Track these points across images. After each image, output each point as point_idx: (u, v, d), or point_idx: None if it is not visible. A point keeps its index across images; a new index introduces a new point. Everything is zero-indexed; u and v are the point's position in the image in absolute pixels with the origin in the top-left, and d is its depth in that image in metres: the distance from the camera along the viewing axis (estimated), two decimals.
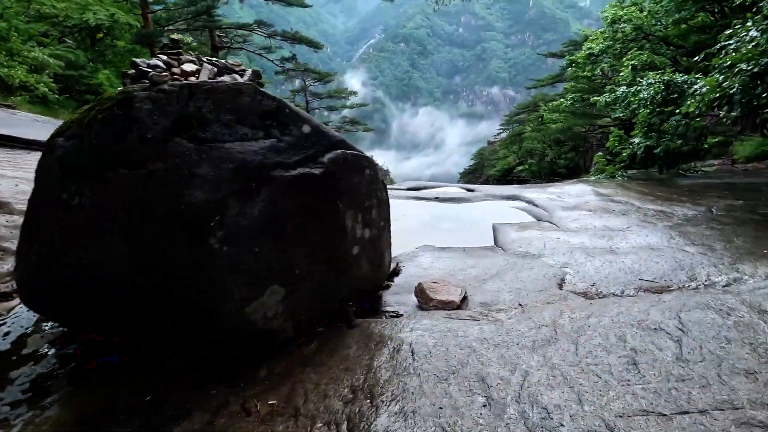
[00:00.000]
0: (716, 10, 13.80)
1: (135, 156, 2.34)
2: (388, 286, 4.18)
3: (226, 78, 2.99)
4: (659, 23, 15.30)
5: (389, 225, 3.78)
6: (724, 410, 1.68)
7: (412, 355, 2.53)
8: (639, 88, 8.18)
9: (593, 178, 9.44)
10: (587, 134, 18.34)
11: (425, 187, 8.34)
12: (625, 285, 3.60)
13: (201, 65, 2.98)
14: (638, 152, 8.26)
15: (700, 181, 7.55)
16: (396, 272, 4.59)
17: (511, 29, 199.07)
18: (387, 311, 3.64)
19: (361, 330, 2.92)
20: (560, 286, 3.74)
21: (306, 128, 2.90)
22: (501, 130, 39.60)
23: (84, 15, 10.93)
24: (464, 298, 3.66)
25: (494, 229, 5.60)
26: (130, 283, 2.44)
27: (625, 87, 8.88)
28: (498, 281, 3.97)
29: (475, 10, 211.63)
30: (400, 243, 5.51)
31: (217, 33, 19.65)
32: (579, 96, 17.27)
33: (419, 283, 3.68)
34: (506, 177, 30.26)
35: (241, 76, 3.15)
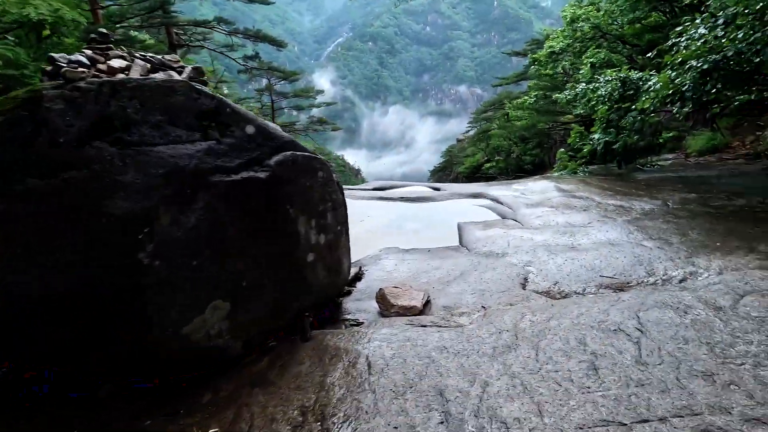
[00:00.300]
0: (668, 9, 14.35)
1: (46, 163, 2.07)
2: (349, 293, 4.01)
3: (160, 75, 2.74)
4: (615, 22, 15.78)
5: (347, 228, 3.61)
6: (683, 417, 1.62)
7: (369, 368, 2.38)
8: (597, 85, 8.35)
9: (556, 174, 9.61)
10: (550, 131, 18.75)
11: (391, 187, 8.22)
12: (587, 282, 3.58)
13: (132, 61, 2.72)
14: (598, 148, 8.45)
15: (657, 175, 7.78)
16: (358, 277, 4.43)
17: (476, 28, 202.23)
18: (347, 319, 3.48)
19: (316, 343, 2.74)
20: (523, 286, 3.69)
21: (250, 129, 2.69)
22: (469, 128, 40.03)
23: (24, 10, 10.10)
24: (427, 302, 3.54)
25: (459, 228, 5.52)
26: (46, 307, 2.16)
27: (584, 84, 9.06)
28: (462, 283, 3.87)
29: (441, 9, 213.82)
30: (364, 245, 5.35)
31: (175, 30, 18.84)
32: (542, 93, 17.60)
33: (380, 289, 3.53)
34: (474, 174, 30.59)
35: (180, 73, 2.89)
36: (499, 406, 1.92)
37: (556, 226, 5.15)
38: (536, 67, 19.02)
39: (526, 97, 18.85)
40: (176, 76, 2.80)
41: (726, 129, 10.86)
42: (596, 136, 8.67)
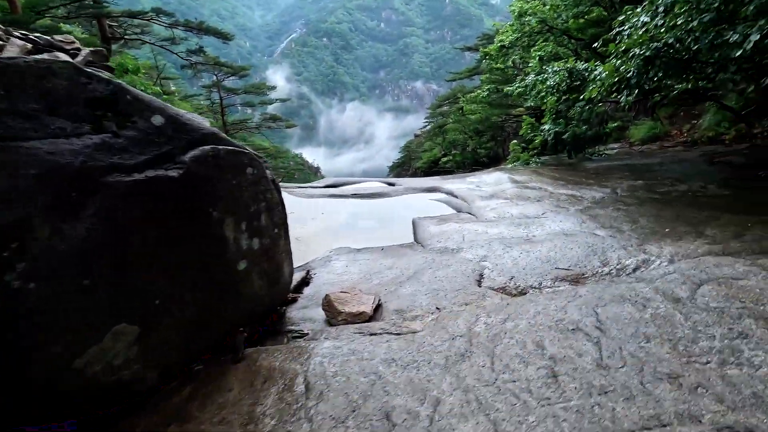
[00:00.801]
0: (609, 4, 14.90)
1: None
2: (294, 300, 3.68)
3: (43, 57, 2.26)
4: (560, 17, 16.22)
5: (287, 230, 3.27)
6: (651, 429, 1.43)
7: (306, 392, 2.07)
8: (546, 76, 8.43)
9: (510, 165, 9.67)
10: (503, 123, 19.10)
11: (345, 184, 7.90)
12: (542, 276, 3.45)
13: (7, 40, 2.22)
14: (549, 139, 8.55)
15: (605, 164, 7.96)
16: (306, 281, 4.10)
17: (430, 25, 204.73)
18: (291, 331, 3.14)
19: (249, 363, 2.40)
20: (479, 283, 3.51)
21: (157, 119, 2.30)
22: (426, 123, 40.33)
23: None
24: (378, 306, 3.28)
25: (414, 224, 5.31)
26: None
27: (534, 76, 9.14)
28: (415, 282, 3.64)
29: (395, 5, 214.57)
30: (313, 247, 5.02)
31: (108, 22, 17.45)
32: (494, 87, 17.87)
33: (326, 295, 3.23)
34: (432, 168, 30.89)
35: (74, 56, 2.41)
36: (452, 428, 1.68)
37: (510, 218, 5.04)
38: (488, 61, 19.27)
39: (479, 91, 19.08)
40: (66, 59, 2.33)
41: (665, 118, 11.38)
42: (546, 126, 8.77)
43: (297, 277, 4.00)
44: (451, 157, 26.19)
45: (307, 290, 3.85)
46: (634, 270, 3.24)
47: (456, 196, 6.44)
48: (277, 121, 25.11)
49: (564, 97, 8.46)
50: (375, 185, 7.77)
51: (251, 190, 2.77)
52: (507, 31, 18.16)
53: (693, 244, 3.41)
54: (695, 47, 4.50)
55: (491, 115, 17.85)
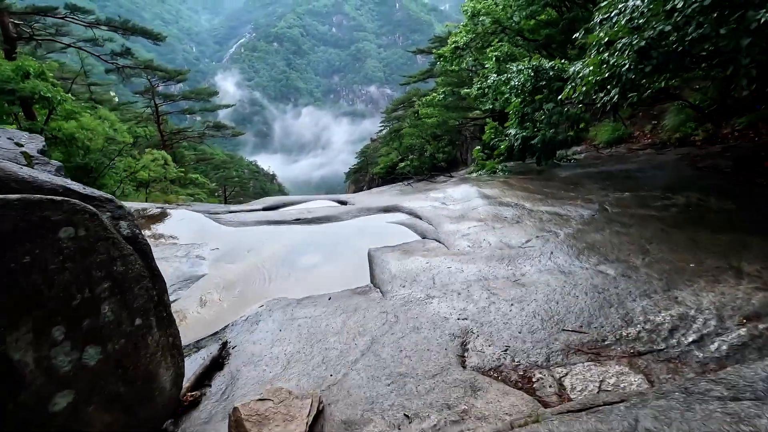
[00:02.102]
0: (560, 4, 14.64)
1: None
2: (196, 401, 2.47)
3: None
4: (513, 18, 15.84)
5: (164, 312, 2.08)
6: None
7: None
8: (509, 76, 7.69)
9: (474, 174, 8.86)
10: (461, 127, 18.52)
11: (287, 204, 6.70)
12: (548, 344, 2.48)
13: None
14: (516, 144, 7.80)
15: (578, 171, 7.28)
16: (218, 363, 2.90)
17: (381, 30, 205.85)
18: None
19: None
20: (462, 360, 2.48)
21: None
22: (382, 127, 39.59)
23: None
24: (318, 415, 2.16)
25: (370, 258, 4.23)
26: None
27: (495, 75, 8.40)
28: (373, 360, 2.57)
29: (345, 10, 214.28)
30: (237, 299, 3.81)
31: (12, 20, 15.14)
32: (450, 89, 17.23)
33: (235, 410, 2.06)
34: (390, 174, 30.08)
35: None
36: None
37: (489, 248, 4.08)
38: (442, 63, 18.65)
39: (434, 94, 18.39)
40: None
41: (625, 119, 11.05)
42: (512, 131, 8.01)
43: (204, 357, 2.80)
44: (408, 162, 25.44)
45: (219, 379, 2.67)
46: (672, 332, 2.33)
47: (419, 217, 5.43)
48: (222, 129, 23.23)
49: (529, 99, 7.72)
50: (323, 205, 6.63)
51: (75, 266, 1.57)
52: (461, 32, 17.62)
53: (738, 289, 2.56)
54: (693, 36, 3.74)
55: (448, 118, 17.18)
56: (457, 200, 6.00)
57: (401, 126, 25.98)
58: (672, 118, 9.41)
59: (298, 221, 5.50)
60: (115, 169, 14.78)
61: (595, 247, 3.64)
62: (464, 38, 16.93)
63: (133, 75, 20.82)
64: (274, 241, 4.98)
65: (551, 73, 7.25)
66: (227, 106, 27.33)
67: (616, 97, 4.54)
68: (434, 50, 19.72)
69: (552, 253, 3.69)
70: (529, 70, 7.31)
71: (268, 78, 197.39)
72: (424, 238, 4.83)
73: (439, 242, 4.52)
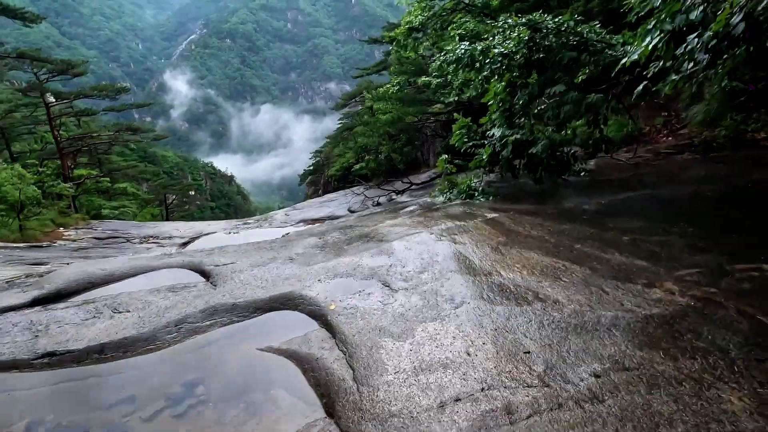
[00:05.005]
0: None
1: None
2: None
3: None
4: None
5: None
6: None
7: None
8: (490, 42, 4.79)
9: (440, 197, 5.92)
10: (421, 124, 15.60)
11: (88, 286, 3.42)
12: None
13: None
14: (502, 153, 4.91)
15: (609, 197, 4.43)
16: None
17: (338, 25, 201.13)
18: None
19: None
20: None
21: None
22: (340, 125, 36.47)
23: None
24: None
25: None
26: None
27: (467, 44, 5.42)
28: None
29: (300, 5, 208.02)
30: None
31: None
32: (405, 79, 14.29)
33: None
34: (346, 176, 27.13)
35: None
36: None
37: None
38: (396, 49, 15.66)
39: (388, 85, 15.39)
40: None
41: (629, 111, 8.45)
42: (496, 132, 5.09)
43: None
44: (364, 164, 22.42)
45: None
46: None
47: (334, 335, 2.37)
48: (138, 132, 19.17)
49: (520, 80, 4.83)
50: (153, 292, 3.36)
51: None
52: (415, 10, 14.58)
53: None
54: None
55: (405, 114, 14.17)
56: (411, 277, 2.97)
57: (354, 123, 22.91)
58: (704, 108, 6.78)
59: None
60: None
61: None
62: (419, 17, 13.99)
63: (17, 67, 16.49)
64: None
65: (560, 39, 4.38)
66: (139, 105, 23.06)
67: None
68: (386, 33, 16.67)
69: None
70: (524, 31, 4.40)
71: (221, 76, 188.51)
72: (330, 416, 1.77)
73: None
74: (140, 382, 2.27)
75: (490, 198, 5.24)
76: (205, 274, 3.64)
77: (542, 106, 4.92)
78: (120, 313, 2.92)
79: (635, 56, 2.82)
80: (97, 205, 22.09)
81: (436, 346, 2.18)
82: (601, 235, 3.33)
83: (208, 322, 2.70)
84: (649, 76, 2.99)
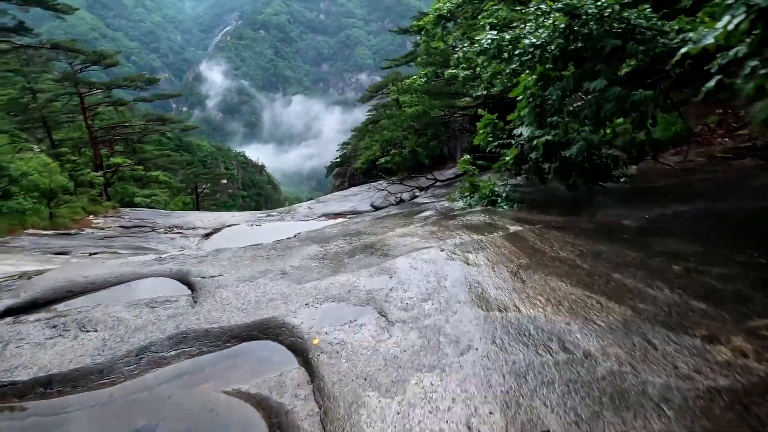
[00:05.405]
0: None
1: None
2: None
3: None
4: None
5: None
6: None
7: None
8: (519, 32, 4.21)
9: (459, 202, 5.40)
10: (447, 119, 14.90)
11: (68, 294, 3.15)
12: None
13: None
14: (531, 155, 4.34)
15: (657, 210, 3.81)
16: None
17: (370, 16, 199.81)
18: None
19: None
20: None
21: None
22: (368, 117, 36.14)
23: None
24: None
25: None
26: None
27: (493, 33, 4.84)
28: None
29: None
30: None
31: None
32: (432, 71, 13.63)
33: None
34: (371, 170, 26.82)
35: None
36: None
37: None
38: (423, 39, 15.03)
39: (415, 77, 14.79)
40: None
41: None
42: (523, 131, 4.51)
43: None
44: (389, 158, 21.98)
45: None
46: None
47: (320, 388, 1.97)
48: (169, 123, 19.44)
49: (553, 72, 4.26)
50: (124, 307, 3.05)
51: None
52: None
53: None
54: None
55: (431, 107, 13.55)
56: (412, 305, 2.52)
57: (380, 116, 22.43)
58: None
59: None
60: None
61: None
62: (448, 5, 13.34)
63: (55, 59, 16.93)
64: None
65: (602, 26, 3.78)
66: (171, 96, 23.39)
67: None
68: (414, 21, 16.00)
69: None
70: (558, 17, 3.82)
71: (255, 67, 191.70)
72: None
73: None
74: (80, 428, 1.94)
75: (515, 205, 4.68)
76: (191, 286, 3.32)
77: (578, 103, 4.31)
78: (87, 332, 2.63)
79: (708, 41, 2.21)
80: (131, 193, 22.66)
81: (430, 411, 1.73)
82: (645, 262, 2.76)
83: (173, 352, 2.35)
84: (717, 67, 2.38)
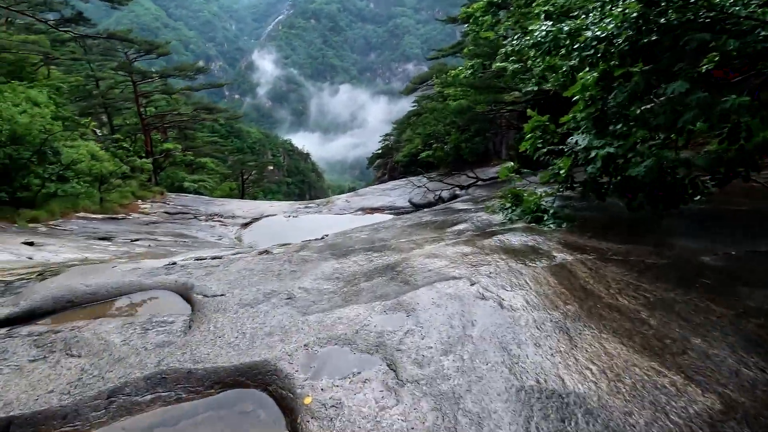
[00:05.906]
0: None
1: None
2: None
3: None
4: None
5: None
6: None
7: None
8: (585, 21, 3.55)
9: (500, 216, 4.80)
10: (493, 115, 14.01)
11: (64, 305, 2.97)
12: None
13: None
14: (589, 169, 3.70)
15: (743, 249, 3.09)
16: None
17: (420, 4, 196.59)
18: None
19: None
20: None
21: None
22: (412, 109, 35.49)
23: None
24: None
25: None
26: None
27: (549, 24, 4.20)
28: None
29: None
30: None
31: None
32: (480, 63, 12.82)
33: None
34: (413, 164, 26.28)
35: None
36: None
37: None
38: (471, 28, 14.20)
39: (460, 68, 14.02)
40: None
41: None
42: (579, 139, 3.86)
43: None
44: (430, 152, 21.34)
45: None
46: None
47: None
48: (214, 112, 19.86)
49: (618, 70, 3.58)
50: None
51: None
52: None
53: None
54: None
55: (476, 102, 12.76)
56: (430, 360, 2.04)
57: (423, 108, 21.77)
58: None
59: None
60: (50, 167, 11.71)
61: None
62: None
63: (112, 49, 17.67)
64: None
65: (685, 15, 3.08)
66: (217, 86, 23.91)
67: None
68: (463, 8, 15.15)
69: None
70: (630, 4, 3.14)
71: (304, 55, 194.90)
72: None
73: None
74: None
75: (563, 225, 4.05)
76: (191, 304, 3.05)
77: (648, 105, 3.60)
78: (70, 356, 2.40)
79: None
80: (180, 178, 23.56)
81: None
82: (737, 324, 2.13)
83: (149, 397, 2.05)
84: None
